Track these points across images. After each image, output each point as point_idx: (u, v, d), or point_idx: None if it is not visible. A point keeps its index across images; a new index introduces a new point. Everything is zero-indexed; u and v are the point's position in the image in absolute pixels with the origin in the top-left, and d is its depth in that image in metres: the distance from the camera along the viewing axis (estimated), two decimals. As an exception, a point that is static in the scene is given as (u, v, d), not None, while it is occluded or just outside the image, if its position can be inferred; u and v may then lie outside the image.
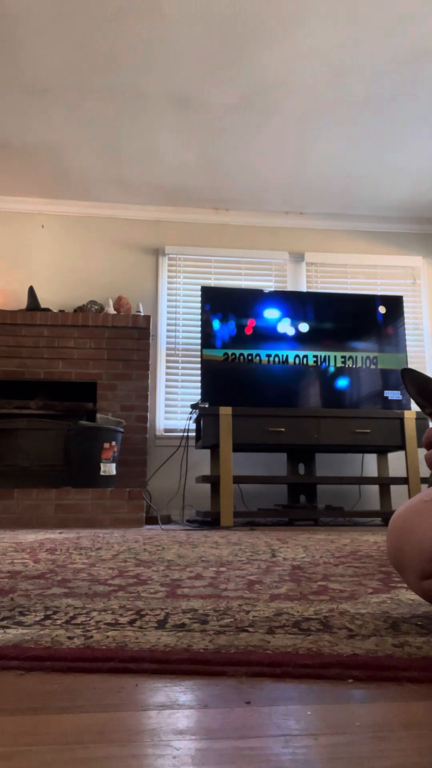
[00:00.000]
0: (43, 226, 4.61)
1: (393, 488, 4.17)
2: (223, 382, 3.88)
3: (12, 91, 3.38)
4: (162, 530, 3.17)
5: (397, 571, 0.91)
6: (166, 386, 4.51)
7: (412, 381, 1.03)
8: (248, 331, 3.98)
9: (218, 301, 4.00)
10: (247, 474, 3.98)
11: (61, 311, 4.25)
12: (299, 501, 3.92)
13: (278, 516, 3.76)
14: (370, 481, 4.01)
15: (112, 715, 0.54)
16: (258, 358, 3.94)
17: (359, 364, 4.05)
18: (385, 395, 4.01)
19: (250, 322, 4.00)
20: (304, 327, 4.04)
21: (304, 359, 3.99)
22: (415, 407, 4.10)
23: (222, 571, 1.44)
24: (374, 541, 2.36)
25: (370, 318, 4.13)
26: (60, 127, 3.71)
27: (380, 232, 4.88)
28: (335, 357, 4.03)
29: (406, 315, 4.30)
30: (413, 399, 1.05)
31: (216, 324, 3.96)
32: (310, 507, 3.83)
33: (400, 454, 3.95)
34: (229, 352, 3.92)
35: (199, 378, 4.20)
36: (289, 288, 4.68)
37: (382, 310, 4.16)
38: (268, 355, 3.96)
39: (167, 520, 3.94)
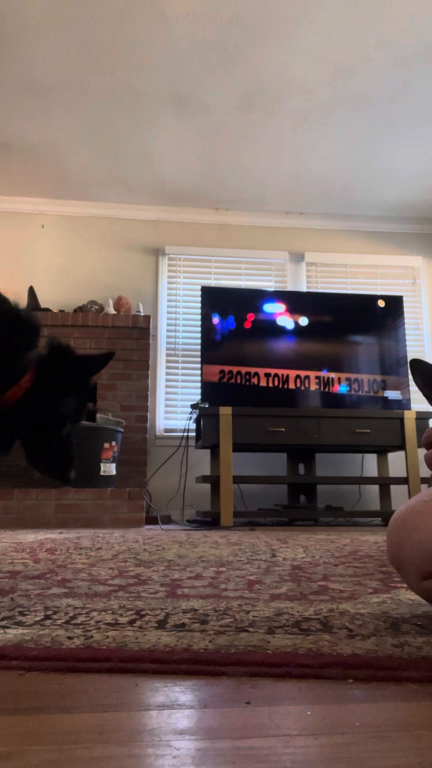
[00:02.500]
0: (43, 226, 4.61)
1: (393, 488, 4.17)
2: (223, 387, 3.88)
3: (12, 91, 3.38)
4: (162, 530, 3.17)
5: (398, 571, 0.91)
6: (166, 386, 4.51)
7: (421, 373, 1.02)
8: (247, 326, 3.97)
9: (218, 301, 4.00)
10: (247, 474, 3.99)
11: (61, 311, 4.25)
12: (299, 501, 3.92)
13: (278, 516, 3.76)
14: (370, 481, 4.00)
15: (112, 715, 0.54)
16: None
17: (359, 364, 4.05)
18: (385, 395, 4.01)
19: (250, 318, 4.00)
20: (303, 326, 4.04)
21: (304, 370, 3.99)
22: (414, 407, 4.10)
23: (222, 571, 1.44)
24: (374, 541, 2.36)
25: (369, 318, 4.13)
26: (60, 127, 3.71)
27: (380, 232, 4.88)
28: (335, 354, 4.03)
29: (406, 315, 4.30)
30: (421, 390, 1.03)
31: (216, 324, 3.96)
32: (310, 507, 3.83)
33: (400, 454, 3.96)
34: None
35: (199, 378, 4.20)
36: (289, 288, 4.68)
37: (381, 307, 4.15)
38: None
39: (167, 520, 3.94)
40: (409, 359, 4.14)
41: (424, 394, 1.03)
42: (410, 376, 4.08)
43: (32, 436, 1.43)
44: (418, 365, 1.02)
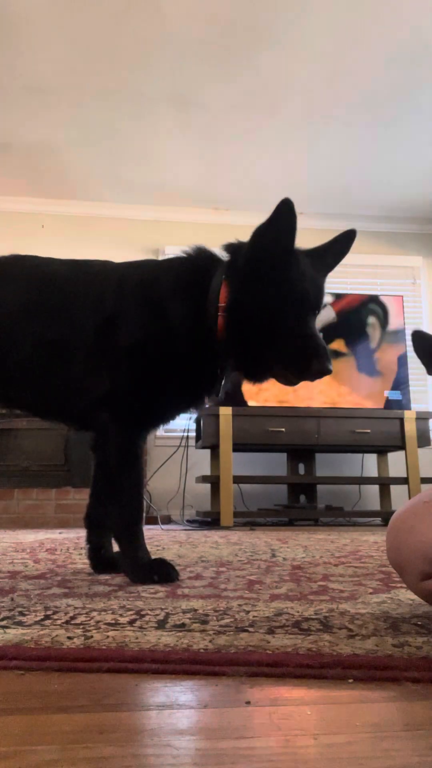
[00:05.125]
0: (43, 226, 4.61)
1: (393, 488, 4.17)
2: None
3: (12, 91, 3.38)
4: (162, 530, 3.17)
5: (397, 572, 0.91)
6: (166, 386, 4.50)
7: (423, 344, 0.99)
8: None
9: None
10: (247, 474, 3.98)
11: (61, 311, 4.24)
12: (299, 501, 3.92)
13: (278, 516, 3.76)
14: (370, 481, 4.00)
15: (112, 715, 0.54)
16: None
17: (360, 364, 4.05)
18: (385, 395, 4.01)
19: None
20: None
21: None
22: (414, 407, 4.10)
23: (222, 571, 1.44)
24: (374, 541, 2.36)
25: (370, 318, 4.13)
26: (60, 127, 3.71)
27: (380, 232, 4.88)
28: (334, 354, 4.03)
29: (406, 315, 4.30)
30: (422, 361, 1.00)
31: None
32: (310, 507, 3.83)
33: (400, 454, 3.95)
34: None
35: (199, 378, 4.19)
36: (289, 288, 4.67)
37: (382, 310, 4.15)
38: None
39: (167, 520, 3.94)
40: (409, 357, 4.15)
41: (425, 364, 1.00)
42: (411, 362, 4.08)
43: (256, 348, 1.25)
44: (419, 337, 1.00)
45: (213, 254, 1.37)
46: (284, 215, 1.17)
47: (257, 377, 1.34)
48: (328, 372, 1.22)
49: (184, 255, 1.39)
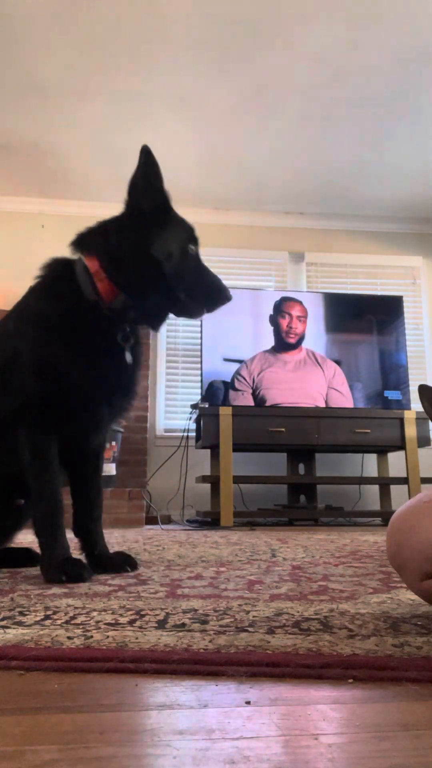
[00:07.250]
0: (43, 226, 4.61)
1: (393, 488, 4.17)
2: (224, 385, 3.88)
3: (13, 90, 3.38)
4: (162, 530, 3.17)
5: (397, 572, 0.91)
6: (166, 386, 4.51)
7: (429, 398, 1.04)
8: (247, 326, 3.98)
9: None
10: (247, 474, 3.99)
11: (61, 311, 4.24)
12: (299, 501, 3.92)
13: (278, 516, 3.76)
14: (370, 481, 4.00)
15: (112, 715, 0.54)
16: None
17: (359, 364, 4.05)
18: (385, 395, 4.01)
19: (250, 322, 4.00)
20: (303, 325, 4.04)
21: (304, 363, 3.99)
22: (414, 407, 4.10)
23: (222, 571, 1.44)
24: (374, 541, 2.36)
25: (369, 318, 4.13)
26: (60, 127, 3.71)
27: (380, 232, 4.88)
28: (335, 354, 4.03)
29: (406, 315, 4.30)
30: (428, 414, 1.05)
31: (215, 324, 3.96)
32: (310, 507, 3.83)
33: (400, 454, 3.96)
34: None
35: (199, 378, 4.19)
36: (289, 288, 4.68)
37: (381, 310, 4.15)
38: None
39: (167, 520, 3.94)
40: (409, 360, 4.15)
41: (430, 418, 1.05)
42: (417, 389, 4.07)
43: (148, 299, 1.36)
44: (426, 391, 1.05)
45: (64, 257, 1.50)
46: (149, 159, 1.38)
47: (160, 319, 1.43)
48: (229, 298, 1.36)
49: (40, 271, 1.52)
